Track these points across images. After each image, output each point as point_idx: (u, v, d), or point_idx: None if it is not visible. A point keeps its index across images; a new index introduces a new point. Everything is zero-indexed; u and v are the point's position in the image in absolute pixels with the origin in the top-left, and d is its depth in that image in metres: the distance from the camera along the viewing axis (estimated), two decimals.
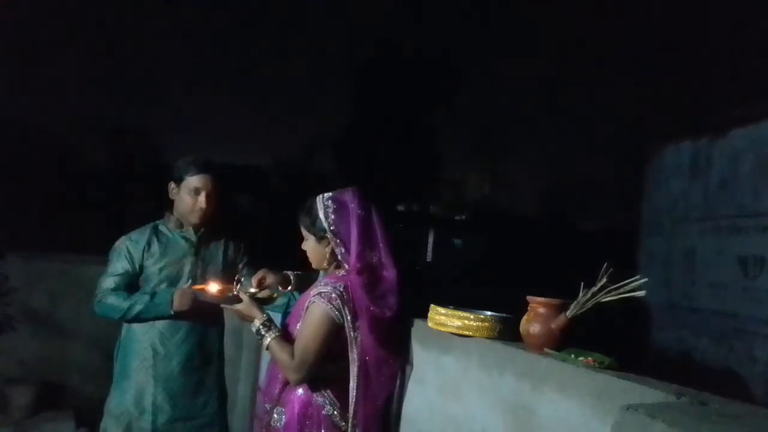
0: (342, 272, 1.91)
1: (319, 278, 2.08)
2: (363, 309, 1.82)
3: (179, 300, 2.33)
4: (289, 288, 2.25)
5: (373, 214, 1.91)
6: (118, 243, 2.44)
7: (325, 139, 16.12)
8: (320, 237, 1.93)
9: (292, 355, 1.83)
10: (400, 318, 1.90)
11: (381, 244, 1.89)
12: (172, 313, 2.34)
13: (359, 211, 1.88)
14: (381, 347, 1.85)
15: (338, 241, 1.88)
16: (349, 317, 1.83)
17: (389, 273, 1.88)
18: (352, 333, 1.83)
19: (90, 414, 3.75)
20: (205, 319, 2.47)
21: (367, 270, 1.85)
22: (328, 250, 1.92)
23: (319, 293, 1.85)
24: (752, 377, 5.04)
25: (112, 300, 2.35)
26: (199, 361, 2.47)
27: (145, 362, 2.39)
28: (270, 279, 2.20)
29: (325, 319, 1.82)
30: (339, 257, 1.90)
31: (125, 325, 2.45)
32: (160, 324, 2.39)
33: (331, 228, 1.88)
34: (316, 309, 1.83)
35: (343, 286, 1.85)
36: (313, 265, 2.04)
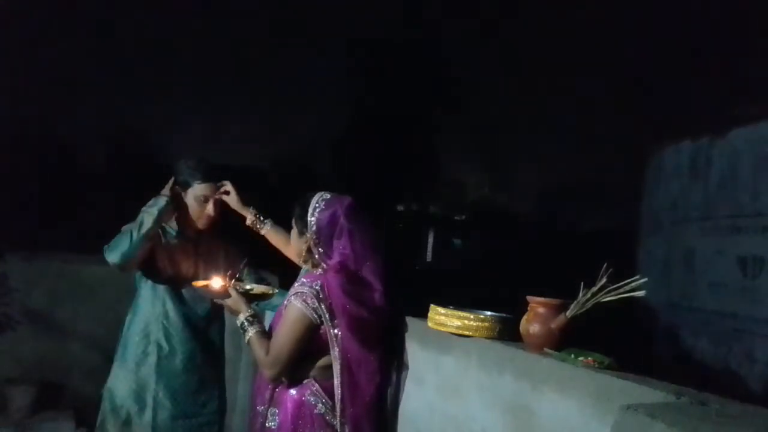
0: (320, 271, 1.93)
1: (299, 276, 2.09)
2: (339, 307, 1.82)
3: (163, 192, 2.32)
4: (262, 297, 2.24)
5: (361, 223, 1.91)
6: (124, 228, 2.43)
7: (324, 139, 16.13)
8: (301, 231, 1.95)
9: (268, 351, 1.86)
10: (384, 318, 1.90)
11: (365, 251, 1.89)
12: (167, 198, 2.30)
13: (346, 224, 1.88)
14: (362, 345, 1.84)
15: (317, 240, 1.90)
16: (327, 315, 1.83)
17: (373, 279, 1.87)
18: (332, 331, 1.84)
19: (90, 414, 3.76)
20: (209, 318, 2.49)
21: (346, 270, 1.86)
22: (304, 247, 1.94)
23: (296, 293, 1.87)
24: (752, 377, 5.04)
25: (117, 236, 2.28)
26: (201, 359, 2.48)
27: (149, 357, 2.39)
28: (250, 216, 2.34)
29: (300, 318, 1.83)
30: (316, 256, 1.92)
31: (127, 321, 2.45)
32: (165, 320, 2.39)
33: (313, 228, 1.90)
34: (292, 309, 1.85)
35: (319, 284, 1.85)
36: (295, 255, 2.06)
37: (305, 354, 1.87)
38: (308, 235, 1.92)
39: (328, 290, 1.84)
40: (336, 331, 1.84)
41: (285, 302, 1.91)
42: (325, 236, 1.89)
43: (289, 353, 1.84)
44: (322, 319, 1.84)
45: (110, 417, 2.39)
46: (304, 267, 2.07)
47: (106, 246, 2.28)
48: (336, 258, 1.87)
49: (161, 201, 2.29)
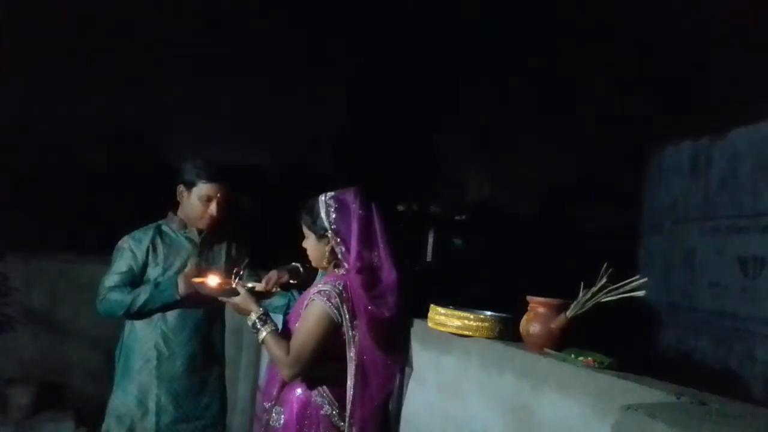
0: (342, 271, 1.92)
1: (319, 277, 2.09)
2: (361, 308, 1.83)
3: (184, 284, 2.31)
4: (297, 281, 2.26)
5: (375, 215, 1.92)
6: (121, 242, 2.43)
7: (325, 138, 16.11)
8: (320, 235, 1.94)
9: (287, 350, 1.83)
10: (399, 319, 1.91)
11: (381, 245, 1.90)
12: (178, 298, 2.31)
13: (360, 211, 1.89)
14: (379, 347, 1.85)
15: (338, 240, 1.89)
16: (347, 316, 1.84)
17: (389, 274, 1.88)
18: (350, 332, 1.84)
19: (90, 414, 3.76)
20: (208, 319, 2.48)
21: (367, 270, 1.86)
22: (327, 248, 1.94)
23: (319, 291, 1.86)
24: (752, 377, 5.04)
25: (116, 296, 2.33)
26: (202, 361, 2.47)
27: (148, 363, 2.38)
28: (281, 275, 2.24)
29: (323, 317, 1.83)
30: (339, 256, 1.91)
31: (128, 325, 2.44)
32: (163, 324, 2.38)
33: (332, 227, 1.90)
34: (314, 307, 1.84)
35: (342, 284, 1.86)
36: (313, 264, 2.05)
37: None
38: (329, 236, 1.91)
39: (351, 291, 1.84)
40: (354, 332, 1.84)
41: (306, 301, 1.91)
42: (345, 231, 1.89)
43: (311, 352, 1.82)
44: (343, 319, 1.84)
45: (114, 426, 2.39)
46: (322, 270, 2.07)
47: (99, 298, 2.36)
48: (355, 247, 1.86)
49: (171, 295, 2.32)
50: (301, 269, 2.27)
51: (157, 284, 2.34)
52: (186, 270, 2.38)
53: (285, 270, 2.27)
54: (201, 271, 2.37)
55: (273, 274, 2.22)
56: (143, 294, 2.31)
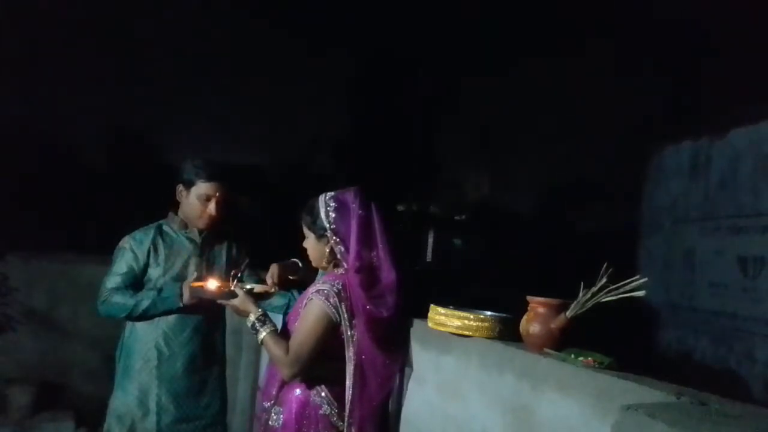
0: (341, 271, 1.93)
1: (318, 277, 2.09)
2: (360, 308, 1.83)
3: (188, 293, 2.30)
4: (297, 277, 2.25)
5: (375, 214, 1.92)
6: (122, 242, 2.43)
7: (324, 139, 16.11)
8: (320, 235, 1.95)
9: (286, 350, 1.83)
10: (398, 319, 1.90)
11: (381, 245, 1.90)
12: (181, 305, 2.31)
13: (360, 211, 1.89)
14: (377, 347, 1.85)
15: (338, 239, 1.90)
16: (346, 315, 1.84)
17: (388, 274, 1.88)
18: (349, 331, 1.84)
19: (90, 414, 3.77)
20: (209, 319, 2.48)
21: (366, 269, 1.86)
22: (327, 248, 1.94)
23: (318, 291, 1.86)
24: (752, 377, 5.04)
25: (118, 298, 2.33)
26: (202, 361, 2.47)
27: (149, 363, 2.38)
28: (282, 270, 2.22)
29: (322, 316, 1.83)
30: (338, 256, 1.91)
31: (128, 326, 2.44)
32: (164, 324, 2.38)
33: (332, 227, 1.90)
34: (313, 306, 1.85)
35: (341, 284, 1.86)
36: (313, 264, 2.06)
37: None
38: (328, 236, 1.92)
39: (350, 290, 1.84)
40: (352, 332, 1.84)
41: (305, 301, 1.91)
42: (344, 231, 1.90)
43: (311, 351, 1.83)
44: (341, 318, 1.84)
45: (115, 425, 2.39)
46: (321, 270, 2.07)
47: (101, 299, 2.36)
48: (354, 247, 1.87)
49: (174, 302, 2.32)
50: (300, 264, 2.27)
51: (160, 290, 2.34)
52: (190, 278, 2.38)
53: (284, 264, 2.27)
54: (203, 277, 2.37)
55: (274, 269, 2.22)
56: (146, 300, 2.31)
